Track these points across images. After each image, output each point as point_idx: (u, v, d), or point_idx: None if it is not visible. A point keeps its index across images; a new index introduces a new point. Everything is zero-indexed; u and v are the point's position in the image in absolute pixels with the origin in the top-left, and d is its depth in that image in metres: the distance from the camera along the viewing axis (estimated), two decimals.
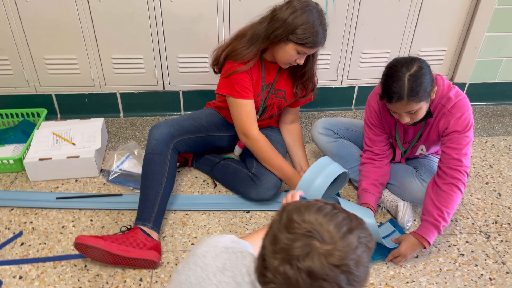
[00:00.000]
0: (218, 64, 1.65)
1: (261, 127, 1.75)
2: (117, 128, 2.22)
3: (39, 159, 1.78)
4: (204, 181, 1.89)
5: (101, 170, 1.90)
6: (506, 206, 1.82)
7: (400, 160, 1.77)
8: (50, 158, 1.79)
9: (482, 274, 1.52)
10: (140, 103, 2.27)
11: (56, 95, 2.20)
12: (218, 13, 2.03)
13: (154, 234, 1.53)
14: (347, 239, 0.71)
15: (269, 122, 1.92)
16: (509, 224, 1.73)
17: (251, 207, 1.75)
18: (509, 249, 1.62)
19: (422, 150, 1.70)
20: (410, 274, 1.51)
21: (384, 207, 1.76)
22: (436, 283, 1.48)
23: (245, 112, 1.64)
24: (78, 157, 1.81)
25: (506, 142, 2.23)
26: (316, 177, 1.51)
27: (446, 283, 1.48)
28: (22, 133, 2.00)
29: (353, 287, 0.71)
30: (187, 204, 1.75)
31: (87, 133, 1.95)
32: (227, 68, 1.62)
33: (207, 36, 2.09)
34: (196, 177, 1.91)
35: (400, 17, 2.15)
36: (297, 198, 1.22)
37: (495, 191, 1.90)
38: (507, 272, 1.53)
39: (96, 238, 1.42)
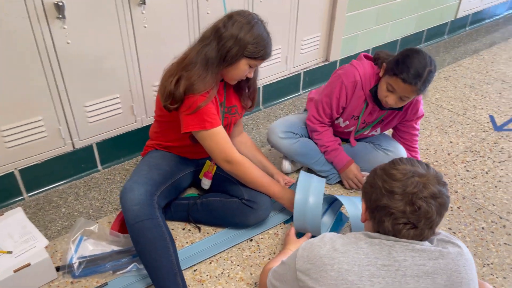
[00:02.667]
0: (176, 101, 1.46)
1: None
2: (31, 214, 1.74)
3: None
4: (183, 229, 1.69)
5: (57, 269, 1.49)
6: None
7: (349, 139, 1.93)
8: None
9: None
10: (48, 173, 1.83)
11: None
12: (123, 45, 1.78)
13: None
14: (430, 169, 1.02)
15: None
16: (426, 158, 2.12)
17: (250, 233, 1.66)
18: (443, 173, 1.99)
19: (376, 131, 1.89)
20: None
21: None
22: None
23: (222, 138, 1.53)
24: (29, 265, 1.37)
25: None
26: (307, 196, 1.55)
27: None
28: None
29: (448, 193, 1.01)
30: (187, 260, 1.54)
31: (16, 232, 1.49)
32: (189, 103, 1.45)
33: (116, 73, 1.81)
34: (172, 229, 1.68)
35: (284, 15, 2.29)
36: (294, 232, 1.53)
37: None
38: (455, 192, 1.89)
39: None
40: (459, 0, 3.37)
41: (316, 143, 1.89)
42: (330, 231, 1.64)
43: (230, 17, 1.46)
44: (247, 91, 1.70)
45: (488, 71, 3.00)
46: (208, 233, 1.67)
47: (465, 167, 2.08)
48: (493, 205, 1.85)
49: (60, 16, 1.56)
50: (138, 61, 1.86)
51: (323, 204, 1.67)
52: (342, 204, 1.69)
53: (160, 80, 1.56)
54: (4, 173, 1.72)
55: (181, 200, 1.72)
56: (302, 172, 1.65)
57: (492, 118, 2.47)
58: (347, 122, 1.85)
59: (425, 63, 1.53)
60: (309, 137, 1.92)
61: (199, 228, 1.68)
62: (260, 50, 1.46)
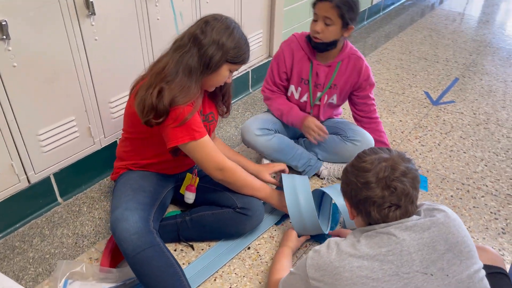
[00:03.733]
0: (161, 114, 1.34)
1: None
2: None
3: None
4: (175, 250, 1.59)
5: None
6: None
7: (311, 111, 1.93)
8: None
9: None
10: (3, 216, 1.60)
11: None
12: (75, 61, 1.60)
13: None
14: (392, 151, 1.09)
15: None
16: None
17: (246, 241, 1.62)
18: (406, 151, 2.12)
19: (332, 100, 1.90)
20: None
21: (329, 179, 1.95)
22: None
23: (211, 147, 1.46)
24: None
25: None
26: (298, 200, 1.56)
27: None
28: None
29: (416, 166, 1.09)
30: (190, 282, 1.43)
31: None
32: (175, 115, 1.35)
33: (69, 93, 1.63)
34: None
35: (228, 14, 2.23)
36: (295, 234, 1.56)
37: None
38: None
39: None
40: None
41: (273, 114, 1.94)
42: (331, 224, 1.66)
43: (206, 23, 1.39)
44: (221, 98, 1.64)
45: (410, 51, 3.25)
46: (202, 249, 1.59)
47: (419, 142, 2.23)
48: (453, 173, 2.01)
49: (4, 36, 1.36)
50: (92, 77, 1.69)
51: (315, 200, 1.68)
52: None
53: (133, 94, 1.44)
54: None
55: (166, 220, 1.61)
56: (283, 176, 1.63)
57: (427, 94, 2.68)
58: (300, 88, 1.87)
59: None
60: (282, 132, 1.92)
61: (192, 247, 1.59)
62: (241, 54, 1.42)
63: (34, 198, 1.69)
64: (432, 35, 3.56)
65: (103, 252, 1.49)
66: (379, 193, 1.02)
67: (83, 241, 1.62)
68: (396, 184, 1.02)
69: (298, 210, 1.54)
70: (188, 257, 1.56)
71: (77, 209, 1.76)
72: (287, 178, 1.62)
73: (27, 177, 1.63)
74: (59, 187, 1.76)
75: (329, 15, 1.64)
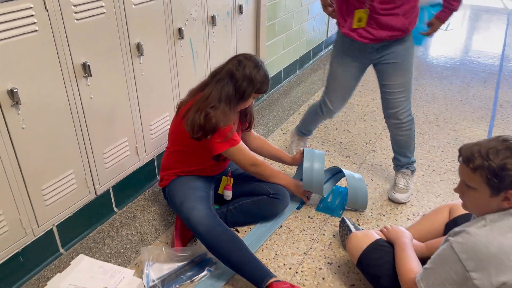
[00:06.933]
0: (208, 133, 1.74)
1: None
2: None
3: None
4: None
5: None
6: None
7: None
8: None
9: None
10: (79, 224, 1.92)
11: None
12: (128, 92, 2.00)
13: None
14: None
15: None
16: (362, 139, 2.79)
17: (278, 222, 2.05)
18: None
19: None
20: None
21: None
22: None
23: (245, 149, 1.90)
24: None
25: None
26: (312, 164, 2.03)
27: None
28: None
29: None
30: None
31: (96, 273, 1.60)
32: (220, 134, 1.77)
33: (124, 118, 2.02)
34: None
35: (227, 52, 2.74)
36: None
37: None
38: None
39: None
40: (326, 25, 4.28)
41: None
42: (343, 203, 2.14)
43: (240, 62, 1.81)
44: (245, 116, 2.07)
45: None
46: (245, 231, 2.00)
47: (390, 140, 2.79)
48: (420, 159, 2.58)
49: (86, 74, 1.75)
50: (139, 105, 2.09)
51: (329, 173, 2.17)
52: (343, 176, 2.19)
53: (179, 116, 1.84)
54: (44, 231, 1.77)
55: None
56: (305, 148, 2.12)
57: None
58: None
59: None
60: None
61: (237, 230, 1.99)
62: (265, 86, 1.86)
63: (98, 208, 2.02)
64: None
65: (174, 237, 1.85)
66: None
67: (147, 237, 1.97)
68: None
69: (311, 169, 2.00)
70: None
71: (132, 215, 2.10)
72: (307, 149, 2.10)
73: (95, 190, 1.97)
74: (115, 199, 2.10)
75: None
